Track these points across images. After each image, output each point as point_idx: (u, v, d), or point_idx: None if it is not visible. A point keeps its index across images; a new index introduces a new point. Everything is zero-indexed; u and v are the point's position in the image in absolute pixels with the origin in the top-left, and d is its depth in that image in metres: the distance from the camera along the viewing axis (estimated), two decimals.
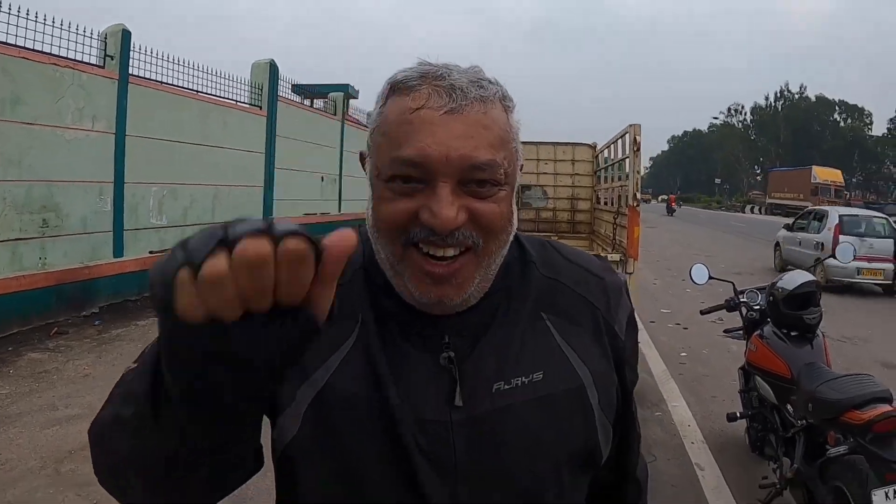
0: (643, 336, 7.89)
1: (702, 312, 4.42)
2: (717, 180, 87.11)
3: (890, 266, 12.00)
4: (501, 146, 0.78)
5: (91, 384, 5.23)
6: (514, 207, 0.83)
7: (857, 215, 13.85)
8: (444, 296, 0.78)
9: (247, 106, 12.06)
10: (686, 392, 5.92)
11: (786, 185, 49.17)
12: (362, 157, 0.85)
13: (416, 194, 0.76)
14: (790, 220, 16.00)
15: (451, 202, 0.75)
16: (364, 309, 0.84)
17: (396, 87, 0.79)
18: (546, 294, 0.90)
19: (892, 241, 12.48)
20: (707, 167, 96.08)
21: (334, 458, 0.80)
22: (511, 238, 0.84)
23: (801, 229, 14.41)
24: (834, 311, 9.87)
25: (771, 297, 3.83)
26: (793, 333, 3.68)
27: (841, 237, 11.95)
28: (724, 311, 4.28)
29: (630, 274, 4.46)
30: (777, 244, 15.71)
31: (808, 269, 4.17)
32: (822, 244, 12.83)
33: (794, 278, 3.76)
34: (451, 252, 0.77)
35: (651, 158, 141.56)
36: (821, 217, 13.89)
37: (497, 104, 0.79)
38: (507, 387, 0.82)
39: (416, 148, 0.74)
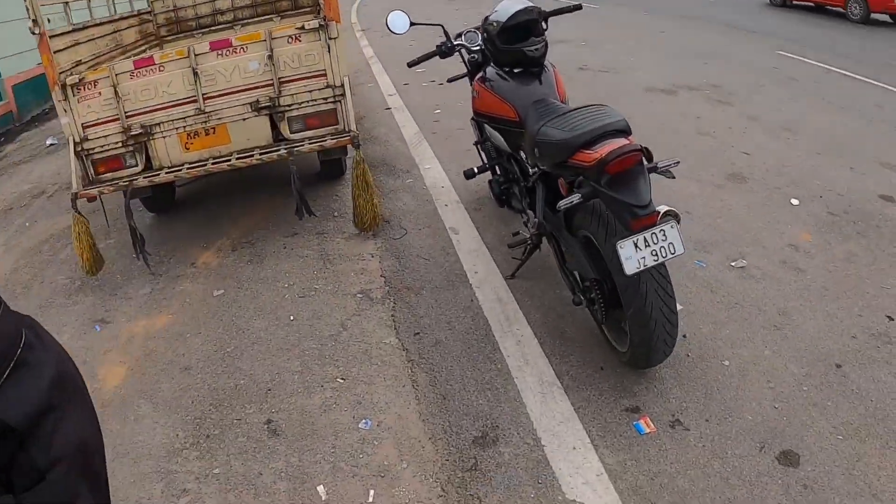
0: (396, 101, 7.41)
1: (409, 65, 3.86)
2: None
3: None
4: None
5: None
6: None
7: None
8: None
9: None
10: (440, 151, 5.59)
11: None
12: None
13: None
14: None
15: None
16: None
17: None
18: None
19: None
20: None
21: None
22: None
23: None
24: (594, 43, 9.96)
25: (485, 34, 3.38)
26: (516, 70, 3.28)
27: None
28: (438, 57, 3.76)
29: (334, 38, 3.82)
30: None
31: None
32: None
33: (508, 7, 3.24)
34: None
35: None
36: None
37: None
38: None
39: None
